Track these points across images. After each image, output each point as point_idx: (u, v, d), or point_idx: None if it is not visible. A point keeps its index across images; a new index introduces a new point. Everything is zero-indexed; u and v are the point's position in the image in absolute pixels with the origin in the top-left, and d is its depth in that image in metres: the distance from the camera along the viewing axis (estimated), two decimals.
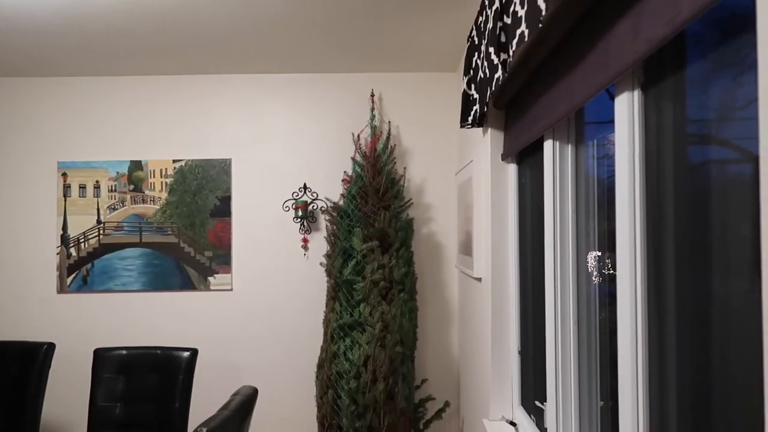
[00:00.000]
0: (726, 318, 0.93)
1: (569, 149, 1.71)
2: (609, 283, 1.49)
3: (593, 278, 1.60)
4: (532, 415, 2.03)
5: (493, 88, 1.89)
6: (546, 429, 1.77)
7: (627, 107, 1.20)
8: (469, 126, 2.40)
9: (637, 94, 1.18)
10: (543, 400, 1.84)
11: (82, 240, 3.36)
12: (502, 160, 2.30)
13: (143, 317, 3.35)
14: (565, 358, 1.70)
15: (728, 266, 0.91)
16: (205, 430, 1.54)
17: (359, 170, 3.04)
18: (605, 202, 1.52)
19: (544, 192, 1.81)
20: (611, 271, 1.46)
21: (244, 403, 1.83)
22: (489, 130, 2.35)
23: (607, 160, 1.51)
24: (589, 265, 1.63)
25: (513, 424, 2.16)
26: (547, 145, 1.78)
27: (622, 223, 1.22)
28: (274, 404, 3.32)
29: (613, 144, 1.28)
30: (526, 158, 2.16)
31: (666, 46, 1.06)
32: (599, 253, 1.58)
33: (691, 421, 1.03)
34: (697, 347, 1.01)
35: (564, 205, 1.73)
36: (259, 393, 3.33)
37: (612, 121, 1.27)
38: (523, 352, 2.20)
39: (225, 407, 1.74)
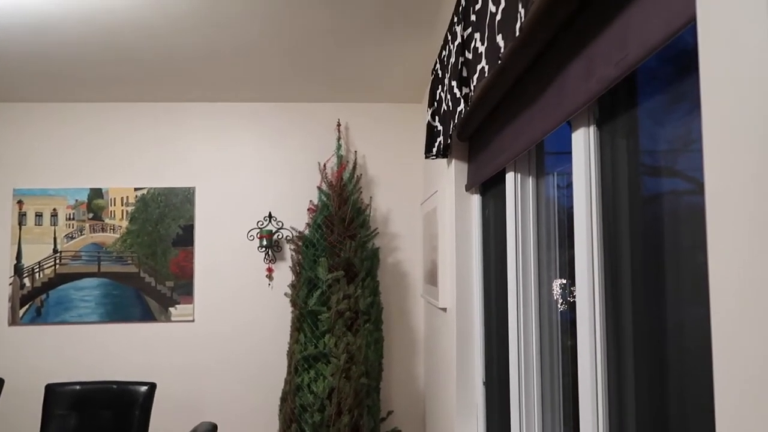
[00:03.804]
0: (681, 344, 0.95)
1: (530, 181, 1.75)
2: (572, 311, 1.51)
3: (559, 306, 1.62)
4: None
5: (456, 121, 1.93)
6: None
7: (583, 142, 1.24)
8: (434, 157, 2.44)
9: (592, 129, 1.22)
10: None
11: (37, 270, 3.25)
12: (466, 190, 2.34)
13: (100, 350, 3.23)
14: (528, 389, 1.70)
15: (682, 292, 0.94)
16: None
17: (325, 199, 3.04)
18: (566, 231, 1.55)
19: (507, 222, 1.84)
20: (574, 299, 1.48)
21: None
22: (453, 161, 2.38)
23: (567, 190, 1.54)
24: (555, 293, 1.65)
25: None
26: (509, 177, 1.81)
27: (580, 252, 1.25)
28: None
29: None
30: (489, 189, 2.20)
31: (620, 83, 1.10)
32: (564, 281, 1.60)
33: None
34: (655, 375, 1.03)
35: (526, 235, 1.76)
36: (219, 428, 3.23)
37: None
38: (488, 383, 2.20)
39: None
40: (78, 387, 2.55)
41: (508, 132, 1.69)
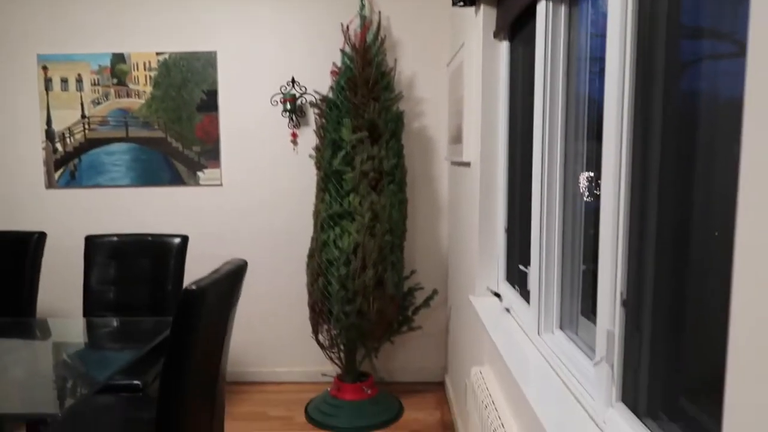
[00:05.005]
0: (705, 195, 0.92)
1: (563, 11, 1.66)
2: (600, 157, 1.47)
3: (583, 148, 1.60)
4: (516, 286, 2.09)
5: None
6: (528, 293, 1.82)
7: None
8: (461, 4, 2.32)
9: None
10: (527, 267, 1.89)
11: (68, 135, 3.31)
12: (495, 37, 2.24)
13: (133, 212, 3.36)
14: (549, 228, 1.72)
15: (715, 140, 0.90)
16: (194, 286, 1.57)
17: (348, 62, 2.96)
18: (597, 73, 1.48)
19: (536, 60, 1.77)
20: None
21: (235, 270, 1.86)
22: (482, 7, 2.26)
23: (600, 39, 1.45)
24: (581, 143, 1.62)
25: (497, 295, 2.22)
26: (540, 7, 1.72)
27: (610, 83, 1.19)
28: (265, 294, 3.40)
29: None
30: (518, 33, 2.10)
31: None
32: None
33: (664, 281, 1.05)
34: (674, 218, 1.01)
35: (555, 75, 1.69)
36: (250, 282, 3.40)
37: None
38: (510, 230, 2.23)
39: (215, 272, 1.77)
40: (115, 238, 2.68)
41: None
